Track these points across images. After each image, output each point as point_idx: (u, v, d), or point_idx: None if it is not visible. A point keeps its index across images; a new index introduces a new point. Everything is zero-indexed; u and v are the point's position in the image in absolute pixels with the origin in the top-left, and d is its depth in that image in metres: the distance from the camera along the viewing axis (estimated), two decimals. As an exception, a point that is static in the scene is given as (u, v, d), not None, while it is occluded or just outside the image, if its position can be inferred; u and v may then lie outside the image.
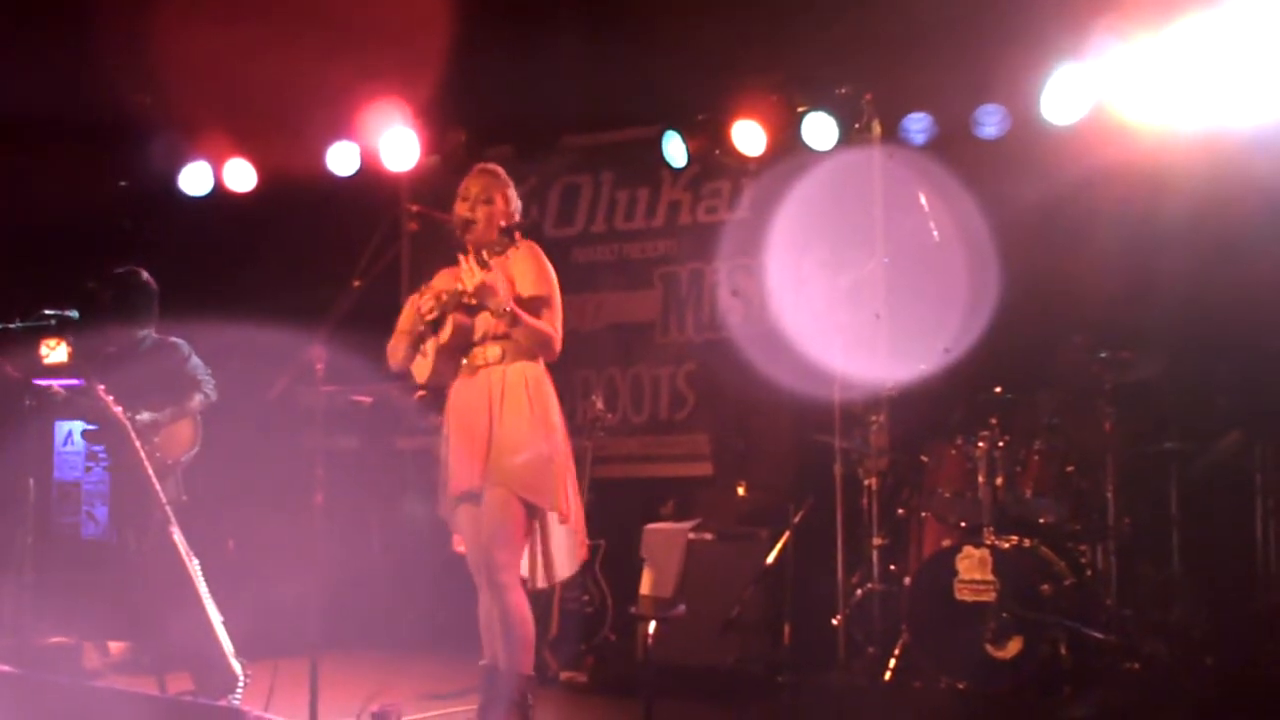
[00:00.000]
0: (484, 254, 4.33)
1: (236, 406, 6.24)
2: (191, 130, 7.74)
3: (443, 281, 4.73)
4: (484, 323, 4.51)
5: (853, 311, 6.44)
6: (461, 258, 4.50)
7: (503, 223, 4.60)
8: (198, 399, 6.14)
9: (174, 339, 6.25)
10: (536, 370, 4.54)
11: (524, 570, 4.58)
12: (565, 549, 4.63)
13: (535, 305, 4.49)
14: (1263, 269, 5.85)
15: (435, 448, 4.72)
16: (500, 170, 4.73)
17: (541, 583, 4.65)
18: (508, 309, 4.37)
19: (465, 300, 4.41)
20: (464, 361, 4.59)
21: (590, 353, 7.60)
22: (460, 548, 4.66)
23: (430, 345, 4.60)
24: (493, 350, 4.53)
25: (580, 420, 6.70)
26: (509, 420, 4.46)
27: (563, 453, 4.53)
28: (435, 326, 4.57)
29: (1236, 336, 6.02)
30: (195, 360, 6.20)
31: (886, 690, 5.70)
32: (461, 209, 4.62)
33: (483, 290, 4.34)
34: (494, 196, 4.62)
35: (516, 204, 4.71)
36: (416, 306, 4.60)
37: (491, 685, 4.55)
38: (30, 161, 7.38)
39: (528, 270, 4.52)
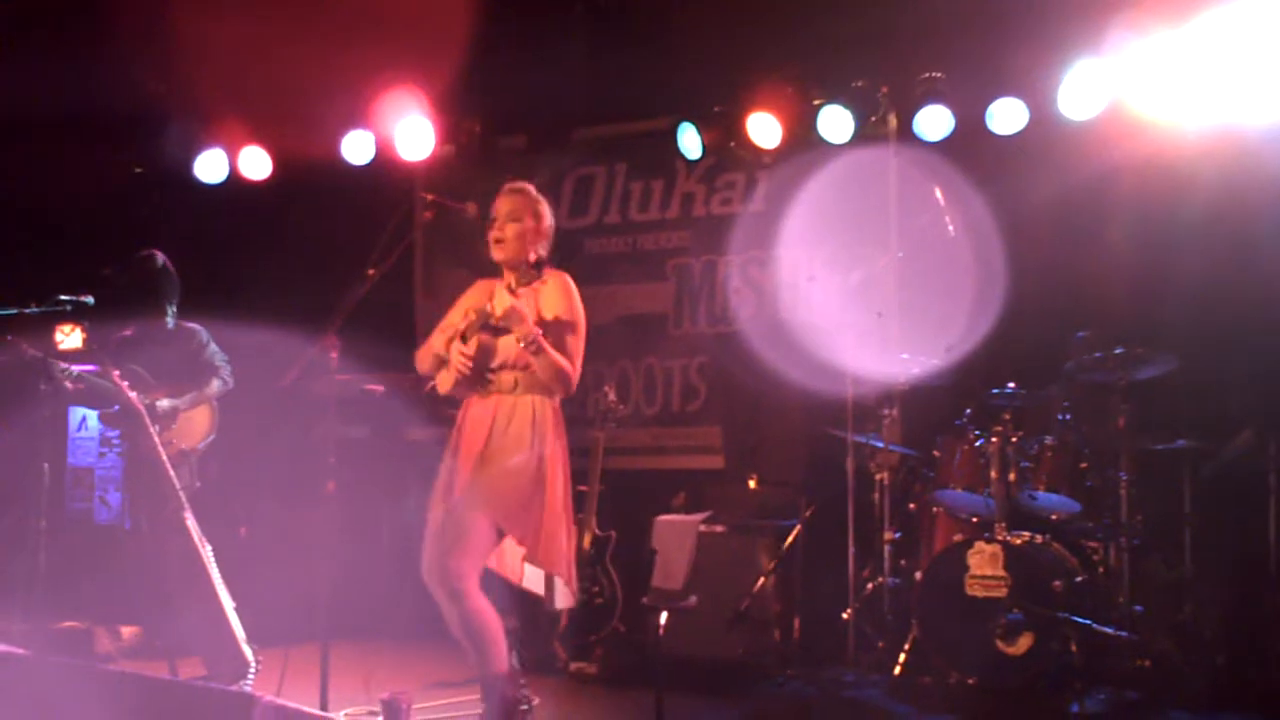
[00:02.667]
0: (513, 284, 4.34)
1: (249, 394, 6.25)
2: (207, 118, 7.74)
3: (476, 294, 4.73)
4: (505, 349, 4.50)
5: (865, 306, 6.42)
6: (497, 283, 4.50)
7: (534, 247, 4.59)
8: (216, 385, 6.15)
9: (192, 324, 6.27)
10: (545, 406, 4.52)
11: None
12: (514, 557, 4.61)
13: (559, 339, 4.48)
14: (1278, 266, 5.83)
15: (445, 446, 4.72)
16: (530, 189, 4.70)
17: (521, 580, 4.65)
18: (533, 338, 4.38)
19: (492, 323, 4.42)
20: (482, 383, 4.59)
21: (602, 344, 7.59)
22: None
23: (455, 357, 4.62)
24: (507, 378, 4.53)
25: (592, 412, 6.69)
26: (506, 450, 4.46)
27: (554, 496, 4.47)
28: (463, 340, 4.59)
29: (1251, 334, 6.00)
30: (213, 346, 6.22)
31: (896, 685, 5.70)
32: (491, 230, 4.61)
33: (510, 315, 4.36)
34: (523, 215, 4.61)
35: (549, 222, 4.68)
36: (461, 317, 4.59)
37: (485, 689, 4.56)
38: (46, 149, 7.39)
39: (557, 303, 4.52)
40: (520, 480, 4.43)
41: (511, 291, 4.41)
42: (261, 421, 6.52)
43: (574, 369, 4.49)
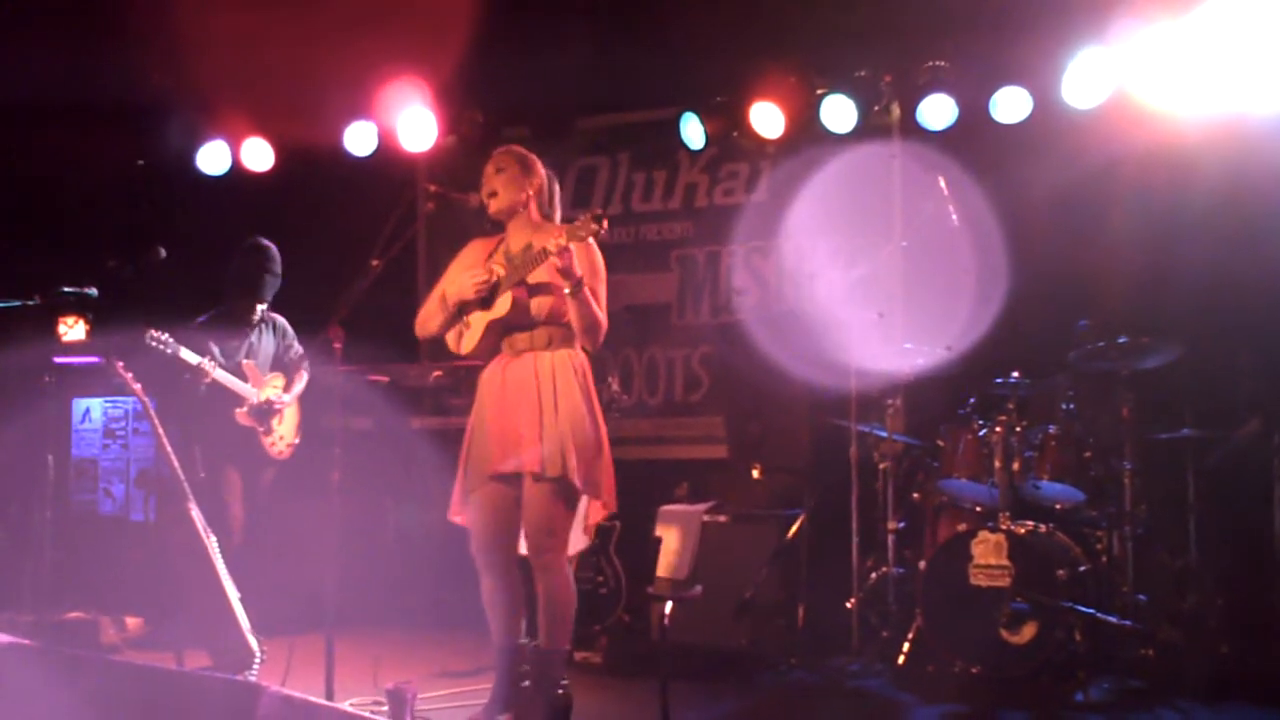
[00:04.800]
0: (567, 236, 4.26)
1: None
2: (209, 109, 7.74)
3: (474, 254, 4.73)
4: (539, 306, 4.51)
5: (868, 301, 6.42)
6: (497, 240, 4.46)
7: (525, 190, 4.62)
8: (304, 379, 6.19)
9: (279, 316, 6.26)
10: (583, 359, 4.59)
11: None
12: (577, 529, 4.67)
13: (592, 293, 4.53)
14: (1283, 256, 5.83)
15: (467, 423, 4.69)
16: (515, 147, 4.76)
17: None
18: (583, 289, 4.38)
19: (552, 260, 4.34)
20: (505, 342, 4.58)
21: (606, 334, 7.58)
22: (458, 518, 4.66)
23: (478, 318, 4.59)
24: (541, 335, 4.54)
25: (595, 402, 6.67)
26: (566, 409, 4.47)
27: (608, 444, 4.60)
28: (488, 300, 4.55)
29: (1256, 323, 5.99)
30: (296, 340, 6.26)
31: (900, 674, 5.70)
32: (483, 191, 4.66)
33: (566, 261, 4.30)
34: (507, 165, 4.65)
35: (541, 176, 4.70)
36: (473, 276, 4.57)
37: (507, 664, 4.57)
38: (49, 140, 7.39)
39: (583, 260, 4.51)
40: (590, 438, 4.50)
41: (544, 249, 4.32)
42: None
43: (605, 322, 4.55)
